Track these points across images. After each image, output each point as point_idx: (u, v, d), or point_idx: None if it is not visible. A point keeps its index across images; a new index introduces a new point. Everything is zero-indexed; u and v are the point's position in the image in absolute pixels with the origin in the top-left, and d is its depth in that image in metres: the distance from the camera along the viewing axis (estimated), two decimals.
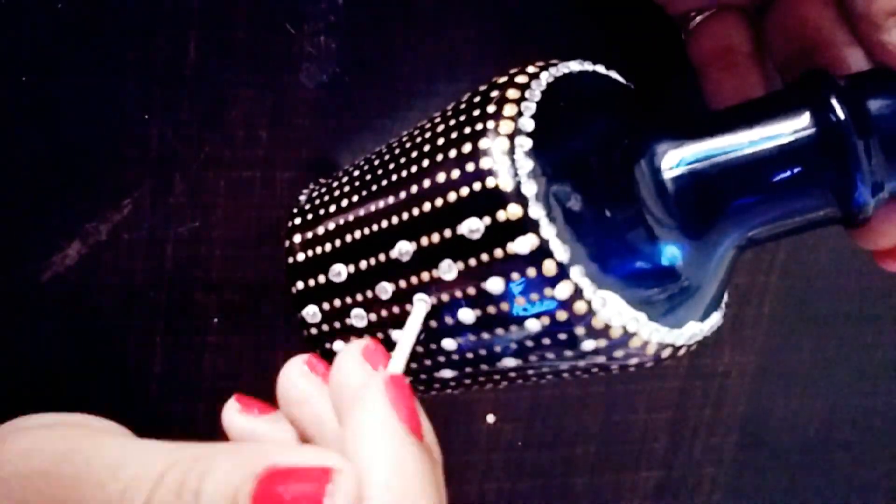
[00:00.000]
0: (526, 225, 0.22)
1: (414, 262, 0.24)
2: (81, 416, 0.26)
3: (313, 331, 0.27)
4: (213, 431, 0.35)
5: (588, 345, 0.23)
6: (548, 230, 0.22)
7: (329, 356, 0.27)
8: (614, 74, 0.28)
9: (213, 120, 0.32)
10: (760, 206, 0.24)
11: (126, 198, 0.32)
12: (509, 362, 0.25)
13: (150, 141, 0.31)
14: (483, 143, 0.23)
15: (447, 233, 0.23)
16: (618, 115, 0.26)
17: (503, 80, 0.25)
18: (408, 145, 0.26)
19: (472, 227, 0.23)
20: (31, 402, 0.33)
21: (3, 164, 0.30)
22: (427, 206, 0.24)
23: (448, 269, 0.24)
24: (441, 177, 0.24)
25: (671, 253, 0.24)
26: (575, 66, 0.26)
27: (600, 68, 0.27)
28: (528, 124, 0.23)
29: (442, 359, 0.25)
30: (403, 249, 0.24)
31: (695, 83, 0.31)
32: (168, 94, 0.31)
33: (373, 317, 0.26)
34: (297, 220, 0.28)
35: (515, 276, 0.23)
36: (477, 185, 0.23)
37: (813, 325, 0.40)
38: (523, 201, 0.22)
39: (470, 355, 0.25)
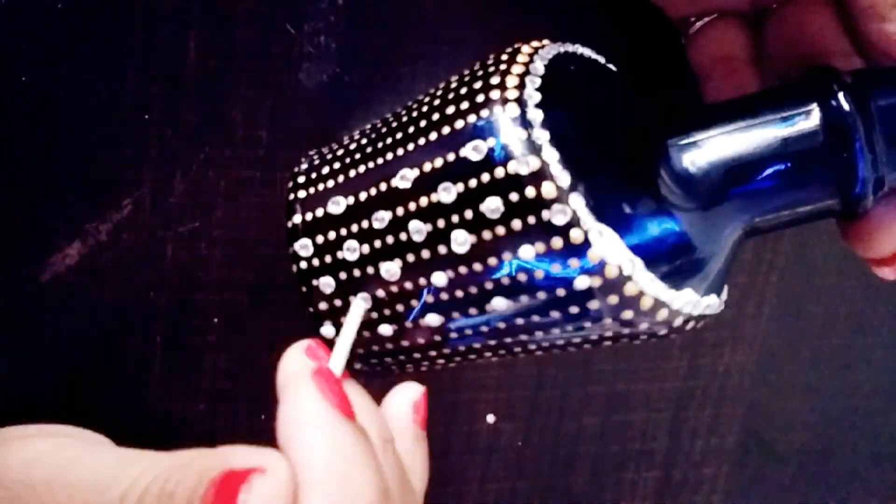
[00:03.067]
0: (529, 146, 0.23)
1: (414, 188, 0.25)
2: (75, 428, 0.26)
3: (303, 265, 0.27)
4: (212, 431, 0.35)
5: (582, 282, 0.23)
6: (550, 154, 0.23)
7: (314, 294, 0.27)
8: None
9: (213, 120, 0.32)
10: (765, 193, 0.25)
11: (126, 198, 0.32)
12: (500, 304, 0.24)
13: (150, 141, 0.31)
14: (494, 80, 0.24)
15: (451, 156, 0.24)
16: (625, 94, 0.27)
17: (518, 44, 0.26)
18: (420, 97, 0.27)
19: (476, 146, 0.23)
20: (31, 402, 0.33)
21: (4, 164, 0.30)
22: (433, 136, 0.25)
23: (447, 192, 0.24)
24: (450, 110, 0.25)
25: (676, 217, 0.24)
26: (586, 50, 0.27)
27: (611, 66, 0.28)
28: (539, 68, 0.24)
29: (430, 299, 0.25)
30: (405, 176, 0.25)
31: (696, 86, 0.31)
32: (168, 94, 0.31)
33: (365, 248, 0.26)
34: (304, 166, 0.28)
35: (514, 196, 0.23)
36: (485, 112, 0.24)
37: (813, 325, 0.40)
38: (528, 125, 0.23)
39: (459, 293, 0.25)
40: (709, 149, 0.25)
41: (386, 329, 0.26)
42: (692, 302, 0.25)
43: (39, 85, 0.30)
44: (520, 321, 0.25)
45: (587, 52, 0.27)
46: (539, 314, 0.24)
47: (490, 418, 0.37)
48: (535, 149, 0.23)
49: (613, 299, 0.23)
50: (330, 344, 0.27)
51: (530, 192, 0.23)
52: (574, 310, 0.24)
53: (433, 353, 0.27)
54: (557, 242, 0.23)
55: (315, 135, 0.33)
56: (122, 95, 0.30)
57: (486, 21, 0.33)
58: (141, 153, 0.31)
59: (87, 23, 0.30)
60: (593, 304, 0.24)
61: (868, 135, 0.23)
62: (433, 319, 0.26)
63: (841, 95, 0.24)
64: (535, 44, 0.26)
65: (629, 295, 0.23)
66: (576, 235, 0.23)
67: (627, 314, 0.24)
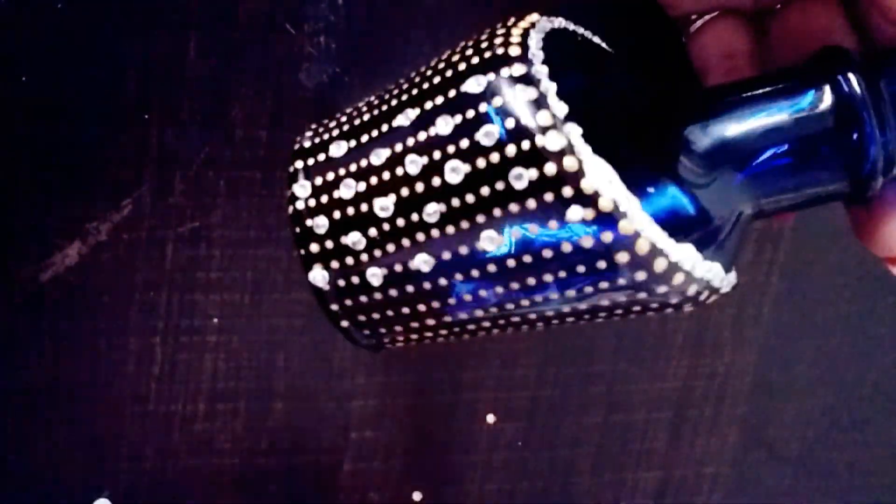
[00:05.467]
0: (528, 78, 0.23)
1: (413, 125, 0.25)
2: None
3: (299, 205, 0.27)
4: (212, 431, 0.35)
5: (574, 212, 0.23)
6: (548, 85, 0.23)
7: (307, 235, 0.27)
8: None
9: (213, 120, 0.32)
10: (775, 172, 0.25)
11: (126, 198, 0.32)
12: (490, 237, 0.24)
13: (150, 141, 0.31)
14: (500, 31, 0.25)
15: (451, 93, 0.24)
16: (629, 73, 0.27)
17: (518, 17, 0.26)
18: (428, 62, 0.27)
19: (477, 80, 0.24)
20: (31, 402, 0.33)
21: (4, 164, 0.30)
22: (437, 79, 0.25)
23: (445, 123, 0.24)
24: (455, 57, 0.25)
25: (683, 190, 0.24)
26: (588, 33, 0.28)
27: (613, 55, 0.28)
28: (545, 26, 0.25)
29: (421, 236, 0.25)
30: (407, 115, 0.25)
31: (697, 83, 0.31)
32: (168, 94, 0.31)
33: (361, 186, 0.26)
34: (312, 126, 0.29)
35: (510, 123, 0.23)
36: (487, 54, 0.24)
37: (813, 325, 0.40)
38: (529, 63, 0.23)
39: (451, 229, 0.24)
40: (719, 127, 0.25)
41: (375, 274, 0.26)
42: (692, 258, 0.24)
43: (39, 85, 0.30)
44: (511, 263, 0.24)
45: (589, 34, 0.28)
46: (532, 255, 0.24)
47: (490, 418, 0.37)
48: (534, 81, 0.23)
49: (607, 236, 0.23)
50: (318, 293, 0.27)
51: (526, 119, 0.23)
52: (567, 248, 0.23)
53: (423, 309, 0.26)
54: (551, 168, 0.23)
55: None
56: (122, 95, 0.30)
57: (486, 22, 0.33)
58: (141, 153, 0.31)
59: (87, 23, 0.30)
60: (587, 242, 0.23)
61: (879, 113, 0.24)
62: (423, 261, 0.25)
63: (851, 74, 0.24)
64: (536, 15, 0.26)
65: (624, 233, 0.23)
66: (569, 163, 0.22)
67: (623, 257, 0.23)
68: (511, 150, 0.23)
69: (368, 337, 0.28)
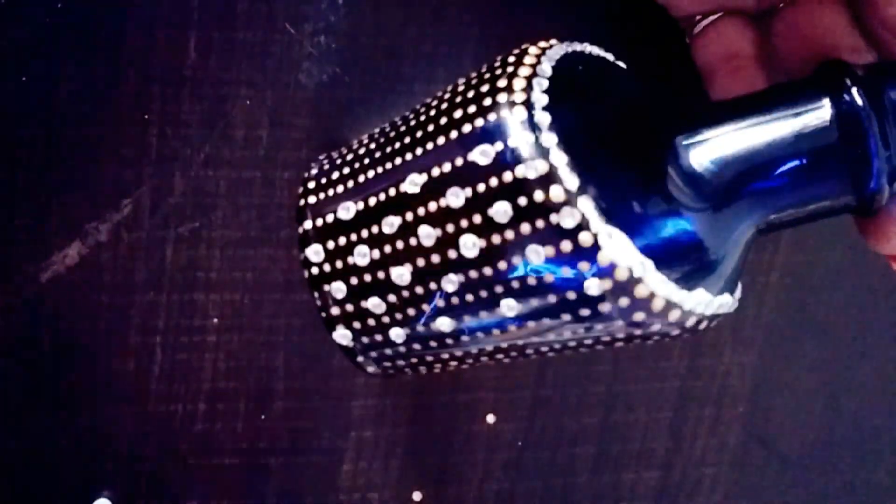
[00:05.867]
0: (537, 150, 0.23)
1: (422, 193, 0.25)
2: None
3: (314, 270, 0.27)
4: (212, 431, 0.35)
5: (592, 284, 0.23)
6: (558, 157, 0.23)
7: (326, 299, 0.27)
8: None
9: (213, 120, 0.32)
10: (777, 191, 0.25)
11: (126, 198, 0.32)
12: (510, 307, 0.24)
13: (150, 141, 0.31)
14: (501, 82, 0.24)
15: (458, 161, 0.24)
16: (634, 93, 0.27)
17: (525, 45, 0.26)
18: (428, 101, 0.27)
19: (484, 150, 0.23)
20: (31, 402, 0.33)
21: (4, 164, 0.30)
22: (441, 140, 0.25)
23: (455, 197, 0.24)
24: (458, 113, 0.24)
25: (688, 218, 0.24)
26: (594, 49, 0.27)
27: (621, 63, 0.28)
28: (546, 70, 0.24)
29: (441, 303, 0.25)
30: (414, 181, 0.25)
31: (700, 86, 0.31)
32: (168, 94, 0.31)
33: (375, 254, 0.26)
34: (314, 171, 0.28)
35: (522, 200, 0.23)
36: (492, 116, 0.24)
37: (813, 325, 0.40)
38: (536, 129, 0.23)
39: (470, 297, 0.24)
40: (719, 146, 0.25)
41: (398, 333, 0.26)
42: (704, 302, 0.25)
43: (39, 85, 0.30)
44: (531, 324, 0.25)
45: (595, 49, 0.27)
46: (550, 317, 0.24)
47: (490, 418, 0.37)
48: (543, 152, 0.23)
49: (624, 301, 0.23)
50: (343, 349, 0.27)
51: (538, 195, 0.23)
52: (585, 312, 0.24)
53: (445, 356, 0.27)
54: (567, 246, 0.23)
55: (315, 135, 0.33)
56: (122, 95, 0.30)
57: (487, 21, 0.33)
58: (141, 153, 0.31)
59: (87, 23, 0.30)
60: (604, 307, 0.23)
61: (882, 128, 0.23)
62: (444, 324, 0.26)
63: (854, 89, 0.24)
64: (542, 44, 0.26)
65: (640, 297, 0.23)
66: (585, 238, 0.22)
67: (639, 316, 0.24)
68: (526, 228, 0.23)
69: (391, 375, 0.29)
